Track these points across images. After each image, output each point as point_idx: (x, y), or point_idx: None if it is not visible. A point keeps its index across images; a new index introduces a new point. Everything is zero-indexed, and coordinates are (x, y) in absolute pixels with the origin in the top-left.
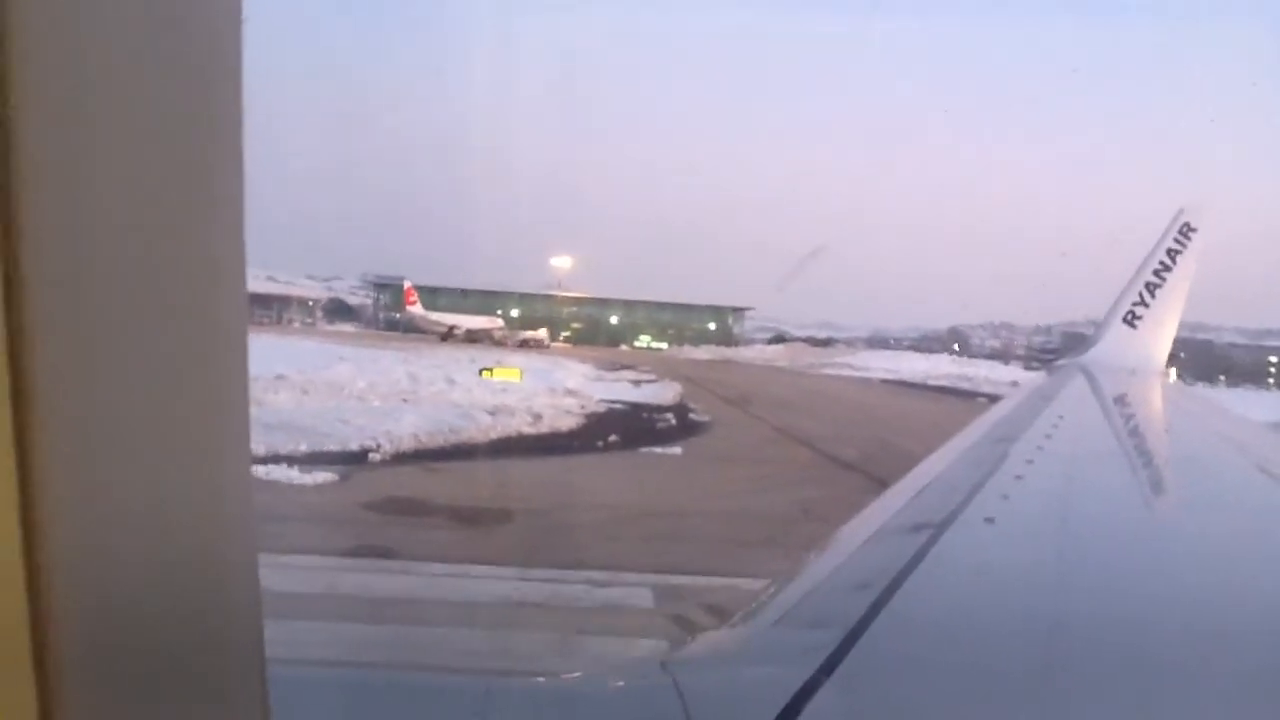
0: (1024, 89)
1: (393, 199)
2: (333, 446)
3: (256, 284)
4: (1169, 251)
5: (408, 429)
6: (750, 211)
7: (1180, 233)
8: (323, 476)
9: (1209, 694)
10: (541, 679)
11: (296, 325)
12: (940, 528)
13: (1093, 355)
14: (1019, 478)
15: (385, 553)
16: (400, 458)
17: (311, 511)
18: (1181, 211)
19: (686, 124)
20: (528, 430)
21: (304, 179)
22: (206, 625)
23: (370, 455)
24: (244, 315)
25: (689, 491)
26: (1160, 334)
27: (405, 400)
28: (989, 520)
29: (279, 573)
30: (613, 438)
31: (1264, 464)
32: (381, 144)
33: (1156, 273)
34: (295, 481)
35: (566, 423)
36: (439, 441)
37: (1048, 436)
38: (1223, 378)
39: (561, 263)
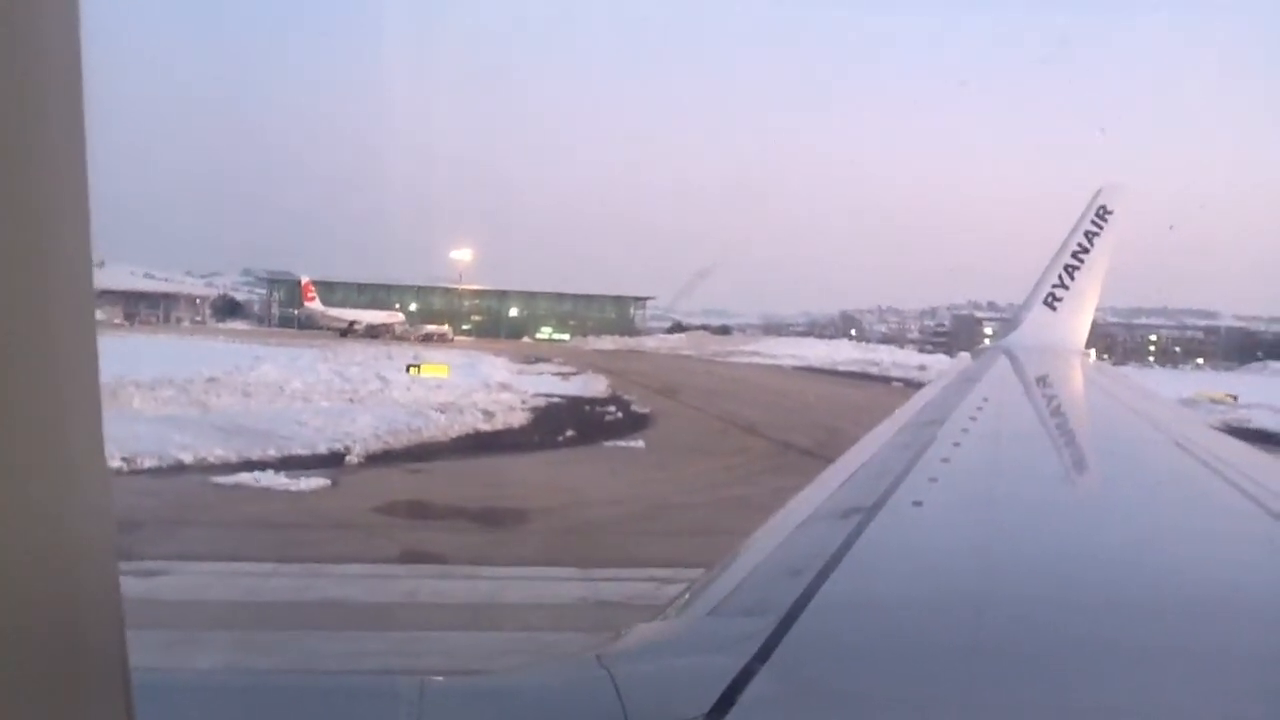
0: (914, 82)
1: (274, 192)
2: (301, 450)
3: (136, 281)
4: (1087, 234)
5: (367, 430)
6: (645, 202)
7: (1098, 215)
8: (315, 482)
9: (1138, 666)
10: (476, 676)
11: (185, 324)
12: (870, 512)
13: (1015, 337)
14: (945, 460)
15: (434, 559)
16: (376, 459)
17: (326, 519)
18: (1099, 194)
19: (582, 116)
20: (485, 427)
21: (177, 173)
22: (62, 633)
23: (346, 458)
24: (91, 316)
25: (677, 484)
26: (1080, 315)
27: (351, 400)
28: (917, 503)
29: (336, 583)
30: (570, 432)
31: (1182, 440)
32: (261, 136)
33: (1075, 255)
34: (290, 488)
35: (518, 419)
36: (405, 441)
37: (973, 419)
38: (1106, 356)
39: (461, 255)
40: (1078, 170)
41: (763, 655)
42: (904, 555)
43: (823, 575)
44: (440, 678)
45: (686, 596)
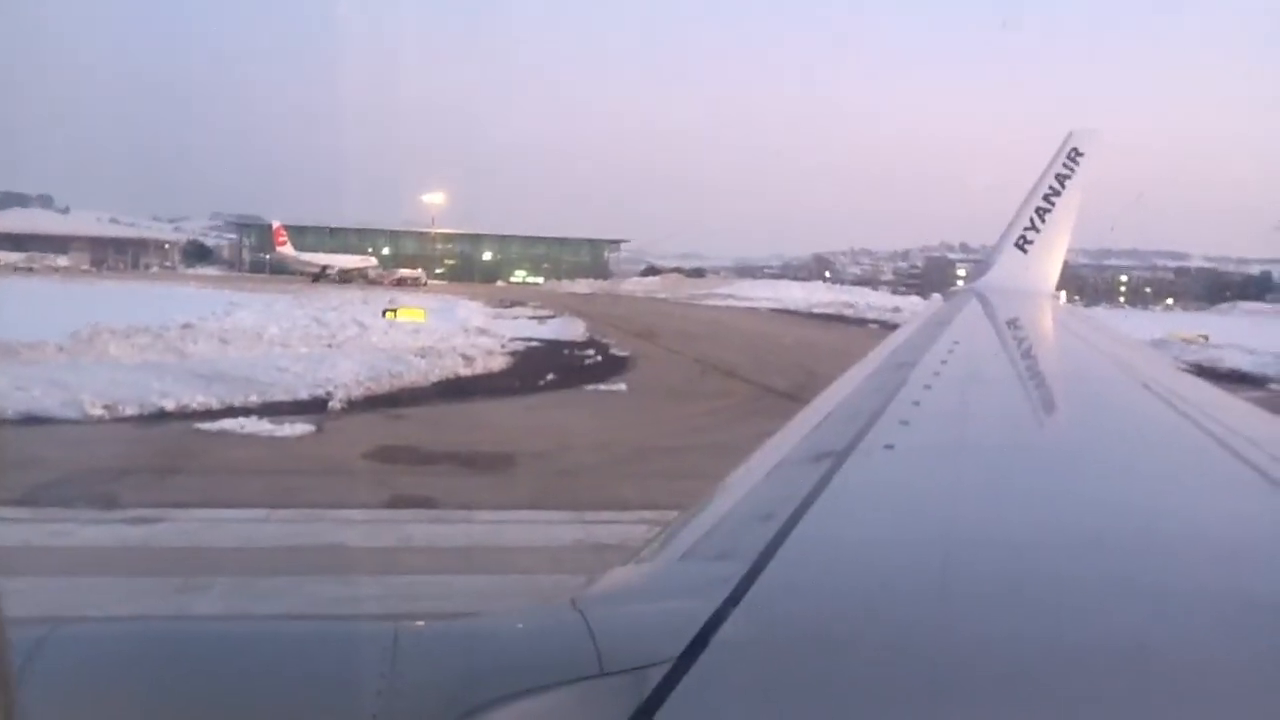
0: (889, 23)
1: (241, 135)
2: (283, 396)
3: (103, 228)
4: (1058, 177)
5: (348, 375)
6: (619, 145)
7: (1069, 158)
8: (300, 428)
9: (1109, 603)
10: (450, 620)
11: (154, 270)
12: (841, 456)
13: (986, 280)
14: (917, 404)
15: (426, 504)
16: (359, 405)
17: (314, 465)
18: (1070, 136)
19: (557, 58)
20: (465, 372)
21: (141, 115)
22: None
23: (329, 404)
24: None
25: (660, 428)
26: (1051, 258)
27: (329, 346)
28: (889, 447)
29: (331, 528)
30: (551, 376)
31: (1150, 381)
32: (228, 76)
33: (1046, 197)
34: (276, 434)
35: (497, 363)
36: (386, 387)
37: (943, 362)
38: (1078, 298)
39: (433, 199)
40: (1050, 113)
41: (735, 599)
42: (876, 498)
43: (795, 519)
44: (414, 622)
45: (660, 541)
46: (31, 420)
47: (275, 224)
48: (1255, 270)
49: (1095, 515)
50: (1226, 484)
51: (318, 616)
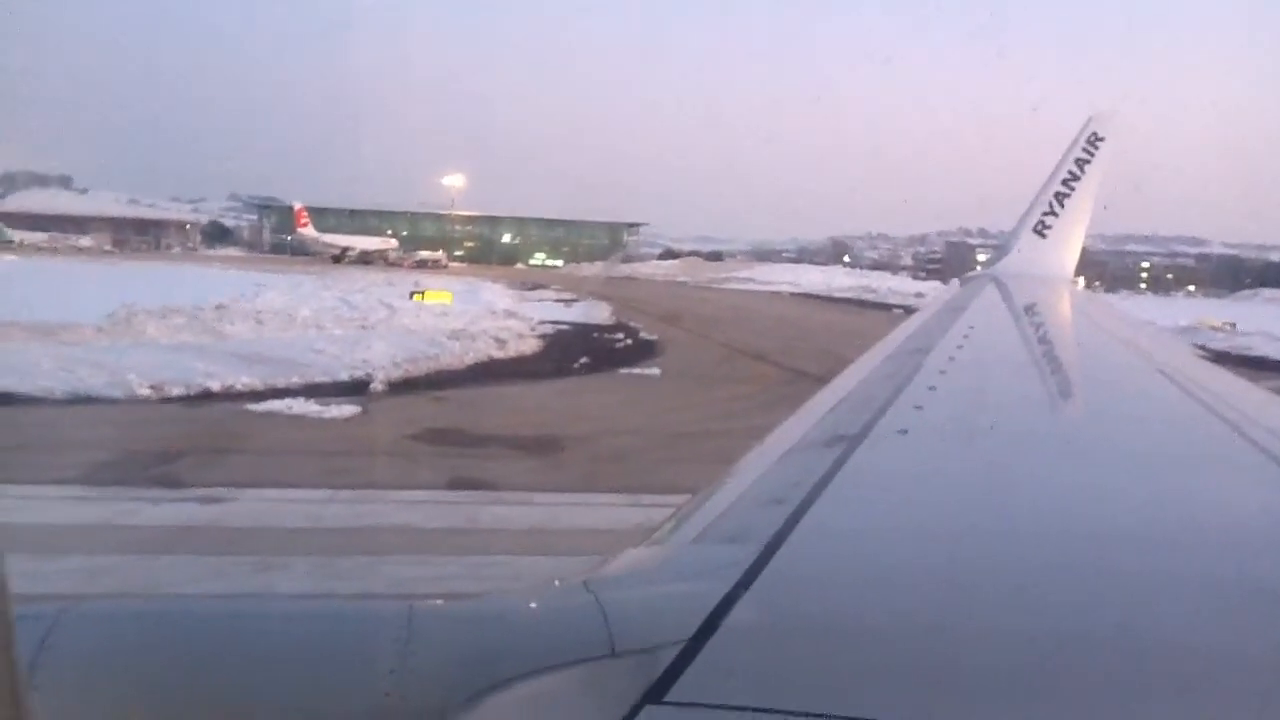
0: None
1: (259, 116)
2: (323, 377)
3: (123, 208)
4: (1077, 161)
5: (384, 358)
6: (635, 127)
7: (1089, 142)
8: (346, 409)
9: (1122, 589)
10: (465, 600)
11: (176, 250)
12: (855, 440)
13: (1004, 265)
14: (932, 389)
15: (484, 486)
16: (399, 387)
17: (366, 446)
18: (1090, 120)
19: (575, 40)
20: (499, 355)
21: (156, 92)
22: None
23: (370, 386)
24: None
25: (701, 411)
26: (1069, 243)
27: (363, 328)
28: (903, 431)
29: (396, 509)
30: (584, 360)
31: (1166, 368)
32: (244, 56)
33: (1065, 182)
34: (324, 416)
35: (530, 346)
36: (423, 369)
37: (959, 347)
38: (1097, 284)
39: (453, 181)
40: (1070, 95)
41: (747, 582)
42: (889, 483)
43: (807, 503)
44: (430, 601)
45: (673, 523)
46: (81, 400)
47: (297, 205)
48: (1276, 257)
49: (1108, 503)
50: (1244, 473)
51: (334, 595)
